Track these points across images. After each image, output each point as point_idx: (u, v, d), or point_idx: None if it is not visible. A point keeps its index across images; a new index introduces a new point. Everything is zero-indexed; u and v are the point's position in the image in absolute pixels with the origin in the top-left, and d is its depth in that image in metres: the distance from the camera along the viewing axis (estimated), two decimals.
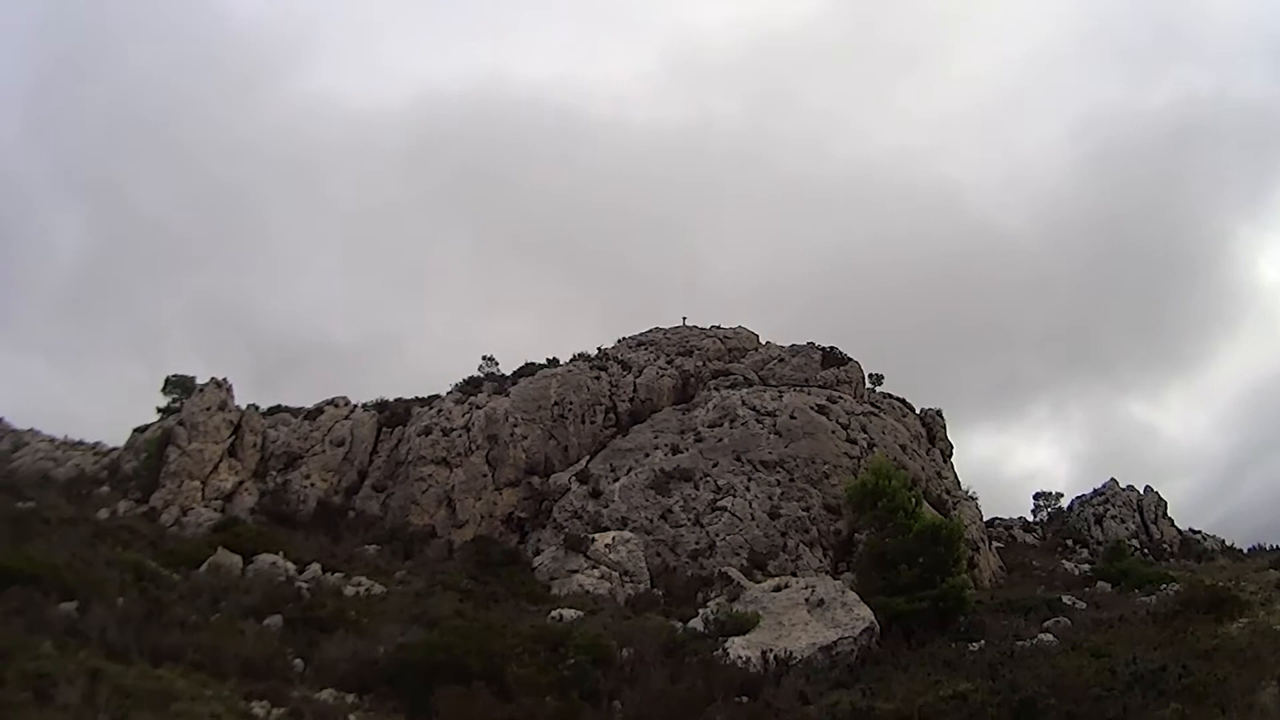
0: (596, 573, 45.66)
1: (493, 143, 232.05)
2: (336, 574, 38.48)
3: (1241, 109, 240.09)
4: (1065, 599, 41.78)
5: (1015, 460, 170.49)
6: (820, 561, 51.80)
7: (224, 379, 61.68)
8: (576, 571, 45.52)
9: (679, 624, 34.21)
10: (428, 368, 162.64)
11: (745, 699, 25.68)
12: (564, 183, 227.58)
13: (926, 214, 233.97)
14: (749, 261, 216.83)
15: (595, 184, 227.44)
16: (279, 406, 69.88)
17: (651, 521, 53.84)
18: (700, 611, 35.20)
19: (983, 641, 32.14)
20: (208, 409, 59.23)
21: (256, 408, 65.68)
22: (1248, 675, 22.83)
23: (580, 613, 35.64)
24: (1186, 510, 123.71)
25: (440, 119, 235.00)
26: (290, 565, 36.99)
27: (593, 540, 47.81)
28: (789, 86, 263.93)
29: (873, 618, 32.73)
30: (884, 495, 37.98)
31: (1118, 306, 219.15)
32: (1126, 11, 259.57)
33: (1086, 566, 59.52)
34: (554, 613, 35.35)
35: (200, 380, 64.25)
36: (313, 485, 60.49)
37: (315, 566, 38.33)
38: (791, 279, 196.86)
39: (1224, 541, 74.85)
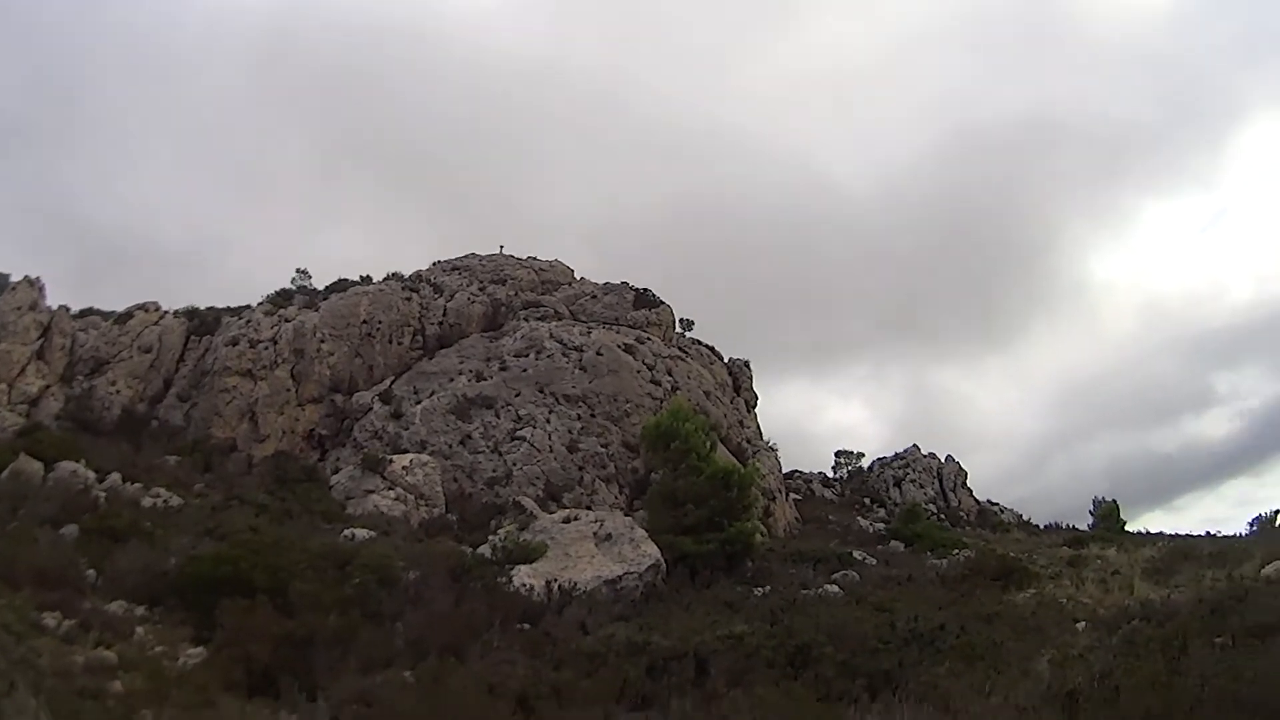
0: (392, 494, 45.51)
1: (345, 54, 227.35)
2: (136, 484, 37.58)
3: (1094, 117, 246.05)
4: (856, 554, 42.77)
5: (828, 417, 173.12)
6: (615, 498, 52.19)
7: (37, 278, 59.75)
8: (373, 492, 45.31)
9: (469, 550, 34.26)
10: (254, 275, 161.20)
11: (526, 626, 25.87)
12: (414, 100, 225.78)
13: (773, 172, 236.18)
14: (588, 199, 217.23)
15: (446, 104, 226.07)
16: (90, 309, 67.04)
17: (451, 447, 53.73)
18: (490, 539, 35.31)
19: (768, 587, 32.76)
20: (18, 309, 57.34)
21: (67, 309, 63.26)
22: (1028, 643, 23.42)
23: (372, 533, 35.50)
24: (989, 483, 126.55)
25: (294, 25, 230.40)
26: (91, 474, 35.85)
27: (390, 462, 47.63)
28: (655, 31, 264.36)
29: (659, 555, 33.13)
30: (679, 437, 38.42)
31: (948, 282, 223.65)
32: (1000, 8, 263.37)
33: (882, 526, 60.88)
34: (346, 532, 35.15)
35: (14, 278, 61.98)
36: (118, 392, 58.94)
37: (115, 476, 37.21)
38: (627, 221, 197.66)
39: (1021, 516, 76.99)
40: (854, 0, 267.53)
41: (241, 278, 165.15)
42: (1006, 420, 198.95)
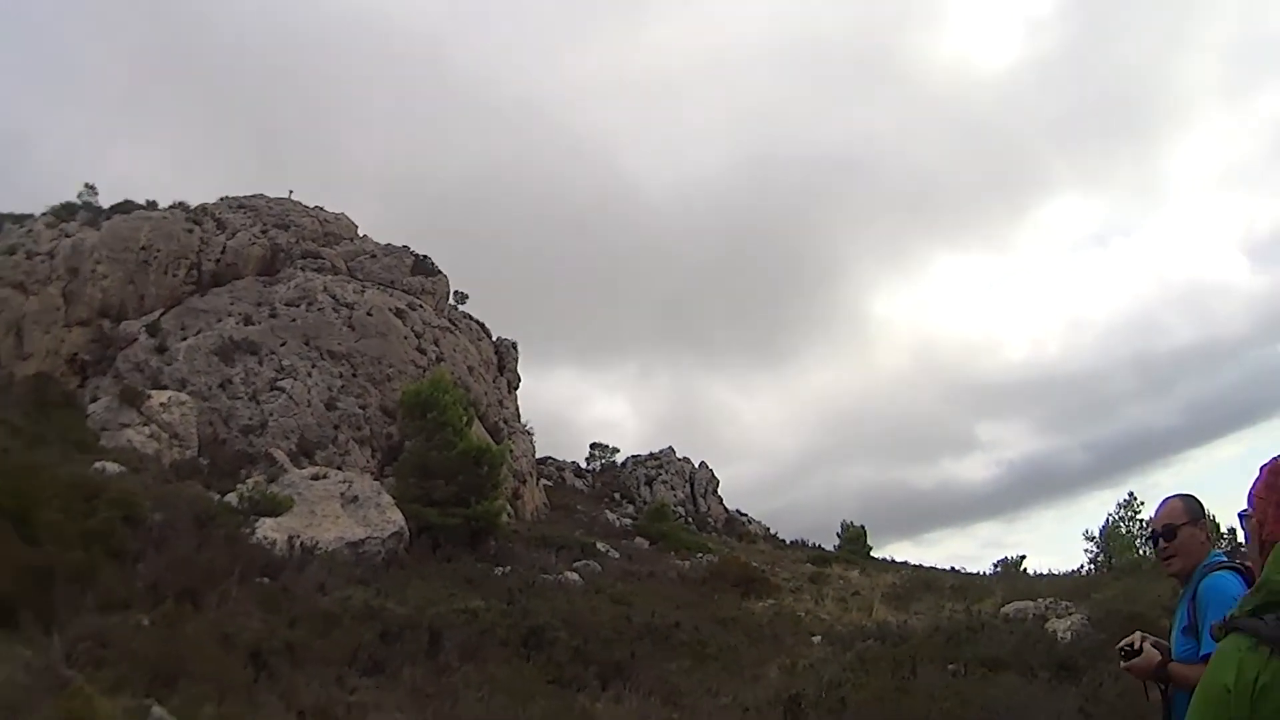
0: (147, 430, 44.55)
1: None
2: None
3: (905, 163, 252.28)
4: (601, 546, 42.83)
5: (590, 409, 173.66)
6: (368, 461, 51.77)
7: None
8: (128, 426, 44.26)
9: (217, 496, 33.89)
10: (48, 182, 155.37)
11: (266, 580, 25.65)
12: (232, 30, 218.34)
13: (578, 161, 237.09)
14: (389, 156, 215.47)
15: (263, 39, 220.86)
16: None
17: (210, 389, 52.68)
18: (239, 487, 35.03)
19: (509, 568, 32.65)
20: None
21: None
22: (763, 650, 24.00)
23: (124, 469, 34.62)
24: (741, 493, 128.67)
25: None
26: None
27: (149, 397, 46.54)
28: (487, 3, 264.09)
29: (404, 524, 32.85)
30: (437, 408, 38.27)
31: (729, 296, 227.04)
32: (839, 38, 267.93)
33: (629, 521, 61.14)
34: (98, 464, 34.28)
35: None
36: None
37: None
38: (423, 184, 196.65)
39: (769, 529, 77.66)
40: (693, 5, 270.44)
41: (37, 182, 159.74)
42: (767, 436, 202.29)
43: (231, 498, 32.77)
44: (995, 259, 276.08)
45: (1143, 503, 54.63)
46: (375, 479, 41.07)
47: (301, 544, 28.91)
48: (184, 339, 55.97)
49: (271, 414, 51.14)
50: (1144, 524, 54.61)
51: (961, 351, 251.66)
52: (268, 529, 29.60)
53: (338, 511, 32.57)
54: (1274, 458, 3.99)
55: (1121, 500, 55.94)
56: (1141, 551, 54.68)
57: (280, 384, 53.31)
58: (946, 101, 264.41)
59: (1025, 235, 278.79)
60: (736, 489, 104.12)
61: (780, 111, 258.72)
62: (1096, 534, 60.70)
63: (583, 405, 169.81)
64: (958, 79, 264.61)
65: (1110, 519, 60.54)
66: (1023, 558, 58.21)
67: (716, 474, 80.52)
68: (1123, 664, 4.19)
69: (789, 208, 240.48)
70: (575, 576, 33.15)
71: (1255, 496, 3.99)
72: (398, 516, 32.82)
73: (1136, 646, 4.89)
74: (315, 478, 35.60)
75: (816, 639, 26.46)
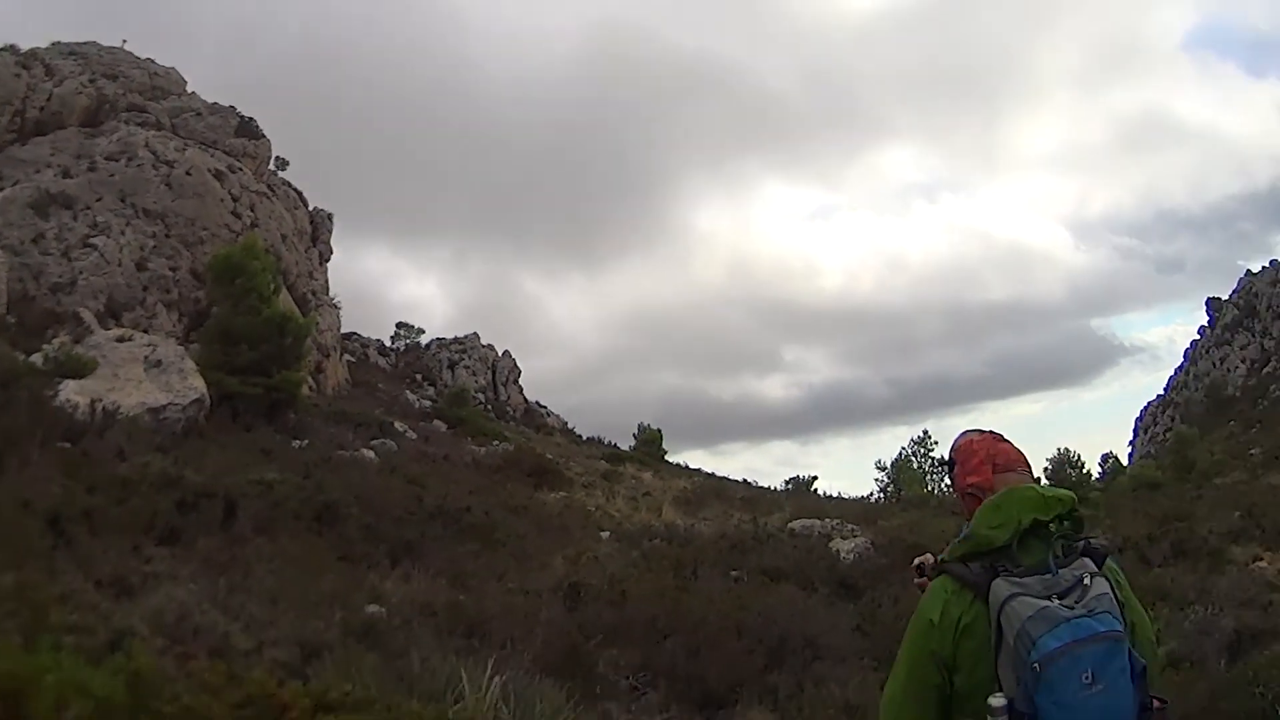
0: None
1: None
2: None
3: (750, 85, 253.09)
4: (399, 426, 42.95)
5: (401, 287, 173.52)
6: (174, 325, 51.07)
7: None
8: None
9: (22, 356, 33.55)
10: None
11: (67, 445, 25.59)
12: None
13: (422, 38, 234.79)
14: (232, 12, 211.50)
15: None
16: None
17: (23, 244, 51.58)
18: (45, 348, 34.64)
19: (307, 441, 32.68)
20: None
21: None
22: (551, 540, 24.49)
23: None
24: (542, 386, 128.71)
25: None
26: None
27: None
28: None
29: (206, 391, 32.59)
30: (246, 274, 37.84)
31: (555, 191, 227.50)
32: None
33: (429, 404, 61.22)
34: None
35: None
36: None
37: None
38: (259, 42, 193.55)
39: (567, 423, 78.14)
40: None
41: None
42: (575, 332, 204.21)
43: (37, 358, 32.32)
44: (824, 193, 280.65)
45: (936, 442, 56.31)
46: (180, 344, 40.69)
47: (103, 408, 28.56)
48: (0, 189, 54.90)
49: (81, 272, 50.22)
50: (936, 460, 56.29)
51: (777, 275, 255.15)
52: (71, 392, 29.14)
53: (141, 376, 32.18)
54: (965, 433, 4.77)
55: (916, 437, 57.48)
56: (930, 488, 56.32)
57: (93, 240, 52.35)
58: (803, 35, 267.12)
59: (857, 175, 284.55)
60: (538, 381, 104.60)
61: (635, 20, 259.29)
62: (888, 465, 62.29)
63: (394, 283, 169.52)
64: (818, 14, 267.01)
65: (903, 452, 62.29)
66: (814, 478, 59.57)
67: (520, 364, 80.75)
68: (915, 580, 4.67)
69: (628, 114, 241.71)
70: (371, 454, 33.22)
71: (956, 449, 4.73)
72: (200, 384, 32.53)
73: (929, 566, 5.40)
74: (120, 340, 35.00)
75: (605, 534, 26.98)
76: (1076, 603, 3.68)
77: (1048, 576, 3.76)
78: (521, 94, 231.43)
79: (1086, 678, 3.53)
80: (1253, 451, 70.96)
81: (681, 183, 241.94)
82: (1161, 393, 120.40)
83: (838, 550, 25.12)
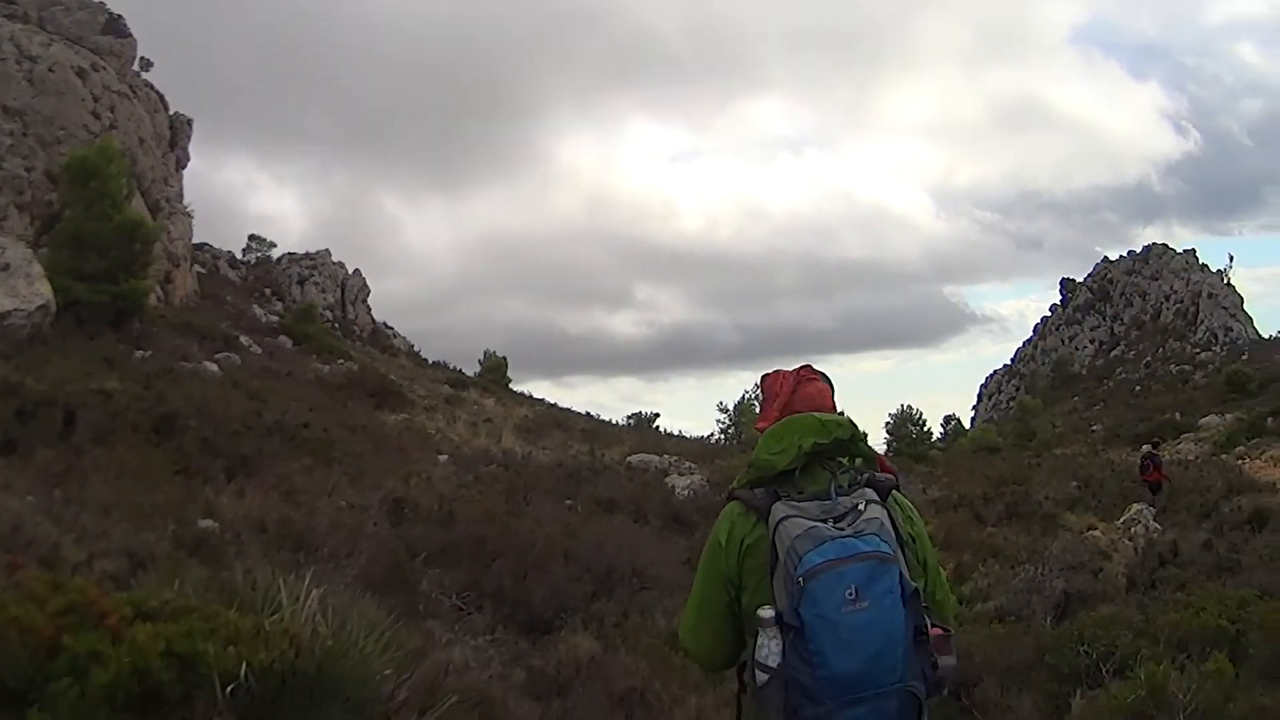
0: None
1: None
2: None
3: (628, 20, 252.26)
4: (244, 340, 42.61)
5: (257, 200, 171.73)
6: (26, 228, 50.28)
7: None
8: None
9: None
10: None
11: None
12: None
13: None
14: None
15: None
16: None
17: None
18: None
19: (150, 352, 32.45)
20: None
21: None
22: (388, 460, 24.59)
23: None
24: (391, 307, 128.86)
25: None
26: None
27: None
28: None
29: (52, 297, 32.39)
30: (99, 177, 37.36)
31: (425, 112, 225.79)
32: None
33: (276, 319, 60.61)
34: None
35: None
36: None
37: None
38: None
39: (413, 346, 77.56)
40: None
41: None
42: (429, 256, 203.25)
43: None
44: (691, 137, 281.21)
45: None
46: (30, 248, 40.11)
47: None
48: None
49: None
50: None
51: (637, 214, 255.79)
52: None
53: None
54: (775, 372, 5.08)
55: (759, 380, 58.07)
56: None
57: None
58: None
59: (727, 123, 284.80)
60: (388, 303, 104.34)
61: None
62: (730, 407, 62.90)
63: (253, 195, 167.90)
64: None
65: (746, 395, 62.81)
66: (656, 415, 60.02)
67: (370, 284, 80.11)
68: None
69: (503, 41, 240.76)
70: (214, 368, 32.92)
71: (763, 386, 5.13)
72: (46, 289, 31.98)
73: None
74: None
75: (443, 458, 27.13)
76: (848, 526, 3.96)
77: (826, 502, 4.05)
78: (398, 14, 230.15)
79: (850, 594, 3.78)
80: (1094, 427, 74.05)
81: (548, 113, 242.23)
82: (1008, 363, 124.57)
83: (673, 486, 25.51)
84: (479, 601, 13.99)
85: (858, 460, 4.33)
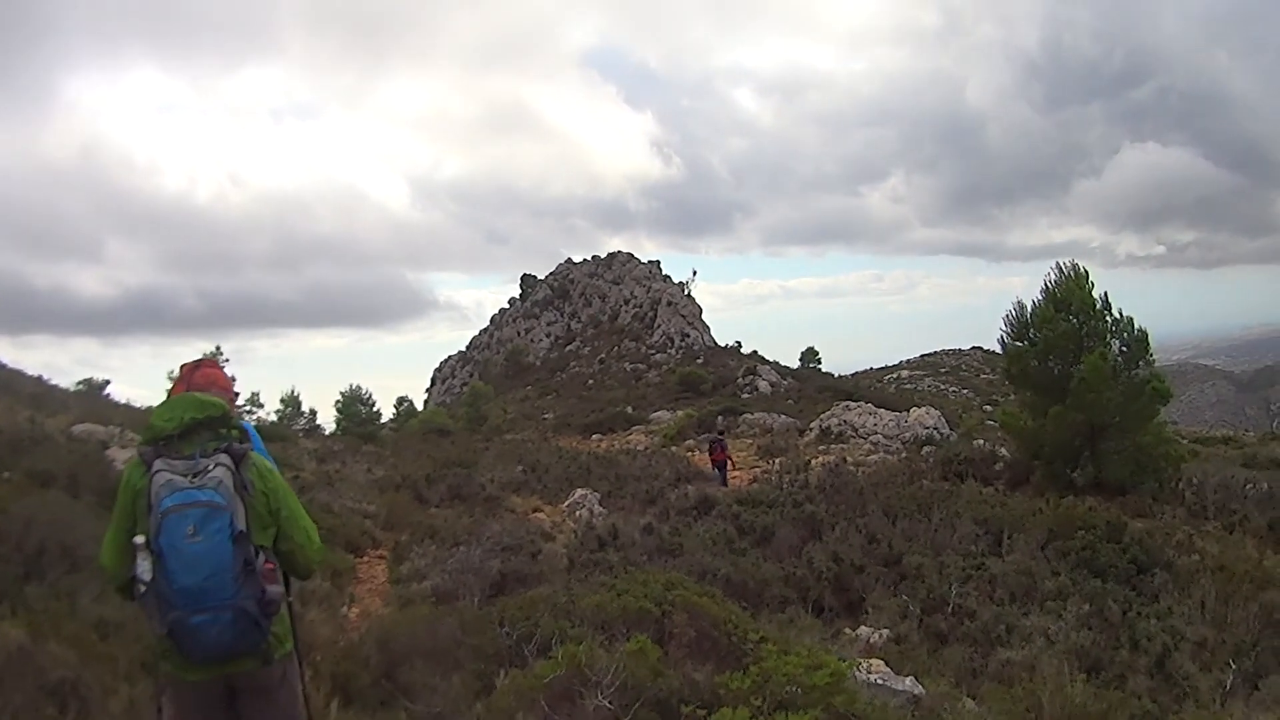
0: None
1: None
2: None
3: None
4: None
5: None
6: None
7: None
8: None
9: None
10: None
11: None
12: None
13: None
14: None
15: None
16: None
17: None
18: None
19: None
20: None
21: None
22: None
23: None
24: None
25: None
26: None
27: None
28: None
29: None
30: None
31: None
32: None
33: None
34: None
35: None
36: None
37: None
38: None
39: None
40: None
41: None
42: None
43: None
44: (195, 94, 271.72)
45: (227, 359, 55.72)
46: None
47: None
48: None
49: None
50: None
51: (124, 165, 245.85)
52: None
53: None
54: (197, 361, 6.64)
55: (209, 352, 56.74)
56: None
57: None
58: None
59: (232, 85, 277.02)
60: None
61: None
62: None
63: None
64: None
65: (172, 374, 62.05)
66: (107, 382, 58.04)
67: None
68: None
69: None
70: None
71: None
72: None
73: None
74: None
75: None
76: (197, 480, 5.39)
77: (190, 461, 5.49)
78: None
79: (190, 530, 5.24)
80: (546, 416, 76.19)
81: (62, 43, 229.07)
82: (463, 349, 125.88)
83: (113, 460, 24.79)
84: None
85: (234, 432, 5.77)
